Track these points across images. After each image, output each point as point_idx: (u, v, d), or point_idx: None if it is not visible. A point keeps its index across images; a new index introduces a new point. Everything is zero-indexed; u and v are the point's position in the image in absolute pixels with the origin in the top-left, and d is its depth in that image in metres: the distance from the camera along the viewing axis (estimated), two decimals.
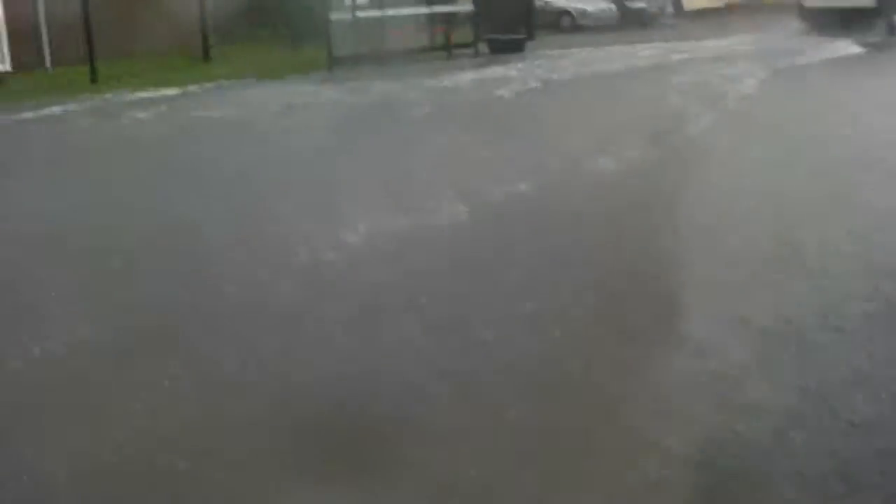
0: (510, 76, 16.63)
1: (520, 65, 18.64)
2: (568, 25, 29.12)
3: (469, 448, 3.51)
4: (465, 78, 16.65)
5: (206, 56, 19.43)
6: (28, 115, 12.92)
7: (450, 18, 22.04)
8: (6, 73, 16.47)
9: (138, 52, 18.16)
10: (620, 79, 16.46)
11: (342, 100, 14.25)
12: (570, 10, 29.69)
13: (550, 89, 15.09)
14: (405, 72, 17.01)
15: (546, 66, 18.39)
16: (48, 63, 18.12)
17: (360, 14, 19.54)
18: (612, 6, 30.57)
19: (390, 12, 20.39)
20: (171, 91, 15.07)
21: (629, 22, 30.47)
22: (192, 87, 15.64)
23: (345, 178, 8.10)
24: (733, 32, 25.52)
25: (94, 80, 16.19)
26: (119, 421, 3.71)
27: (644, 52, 20.87)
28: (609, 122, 11.14)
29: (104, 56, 16.58)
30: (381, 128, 11.52)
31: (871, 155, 8.81)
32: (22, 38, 17.21)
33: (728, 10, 36.62)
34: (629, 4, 31.57)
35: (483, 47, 21.53)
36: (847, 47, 20.63)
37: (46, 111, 13.16)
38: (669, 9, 33.27)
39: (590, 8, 30.04)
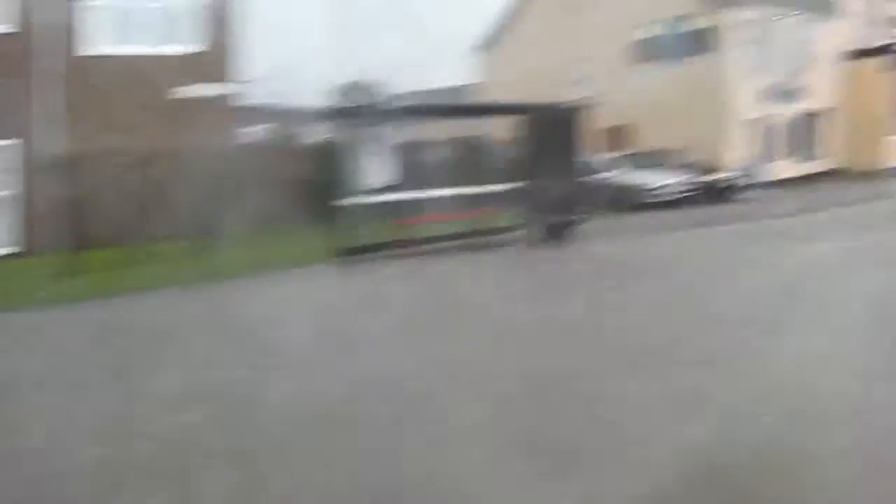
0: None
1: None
2: (633, 203, 26.83)
3: None
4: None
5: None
6: None
7: (491, 198, 20.08)
8: None
9: None
10: None
11: None
12: (635, 185, 27.73)
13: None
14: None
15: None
16: None
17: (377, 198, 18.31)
18: (682, 178, 28.50)
19: (415, 194, 18.94)
20: None
21: (705, 196, 28.30)
22: None
23: None
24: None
25: None
26: None
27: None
28: None
29: None
30: None
31: None
32: None
33: (817, 177, 35.33)
34: (705, 177, 29.32)
35: (533, 230, 20.09)
36: None
37: None
38: (757, 179, 30.86)
39: (654, 182, 27.92)
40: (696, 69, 32.88)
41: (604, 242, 19.65)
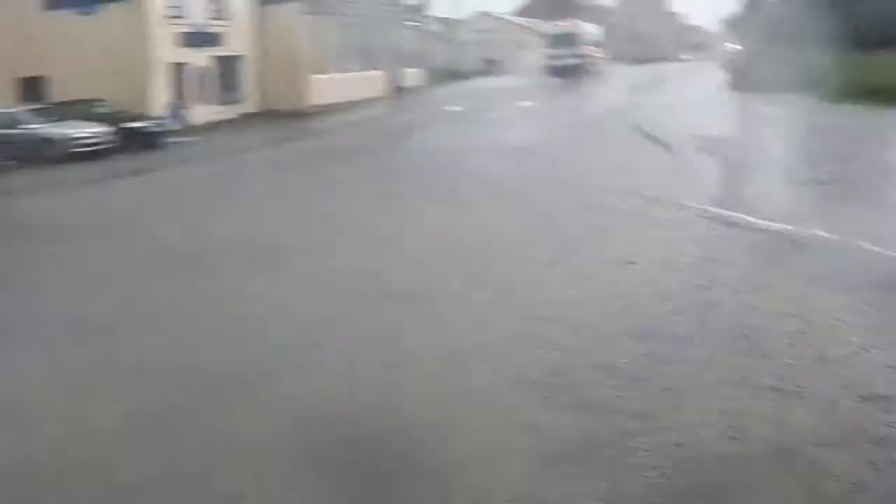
0: None
1: None
2: (53, 156, 25.18)
3: None
4: None
5: None
6: None
7: None
8: None
9: None
10: None
11: None
12: (51, 136, 26.11)
13: None
14: None
15: None
16: None
17: None
18: (108, 128, 27.47)
19: None
20: None
21: (133, 145, 27.43)
22: None
23: None
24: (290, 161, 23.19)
25: None
26: None
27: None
28: None
29: None
30: None
31: None
32: None
33: (245, 119, 36.35)
34: (130, 125, 28.48)
35: None
36: None
37: None
38: (182, 124, 30.81)
39: (77, 133, 26.61)
40: (111, 16, 32.46)
41: (22, 198, 18.91)
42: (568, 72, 51.21)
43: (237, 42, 37.72)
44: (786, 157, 17.40)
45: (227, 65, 37.26)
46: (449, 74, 58.15)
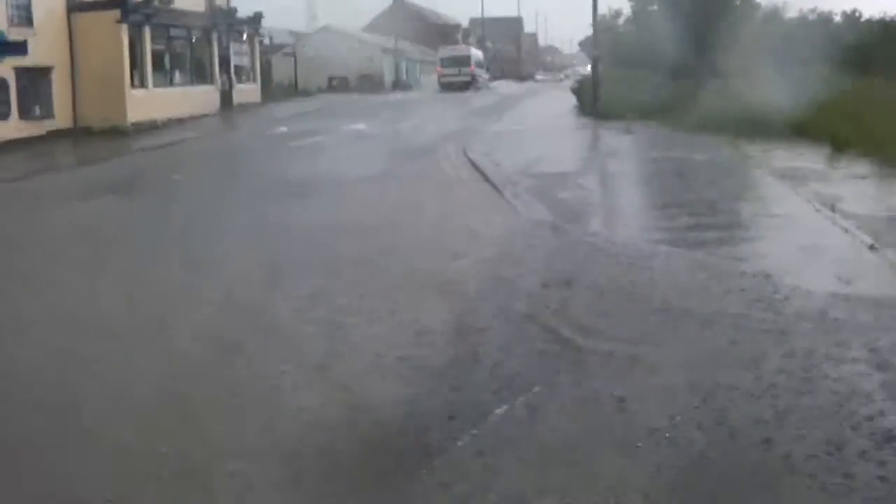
0: None
1: None
2: None
3: None
4: None
5: None
6: None
7: None
8: None
9: None
10: None
11: None
12: None
13: None
14: None
15: None
16: None
17: None
18: None
19: None
20: None
21: None
22: None
23: None
24: None
25: None
26: None
27: None
28: None
29: None
30: None
31: None
32: None
33: (50, 137, 32.61)
34: None
35: None
36: None
37: None
38: None
39: None
40: None
41: None
42: (458, 87, 60.29)
43: (43, 52, 33.45)
44: (629, 205, 14.66)
45: (31, 77, 32.98)
46: (289, 91, 55.02)
